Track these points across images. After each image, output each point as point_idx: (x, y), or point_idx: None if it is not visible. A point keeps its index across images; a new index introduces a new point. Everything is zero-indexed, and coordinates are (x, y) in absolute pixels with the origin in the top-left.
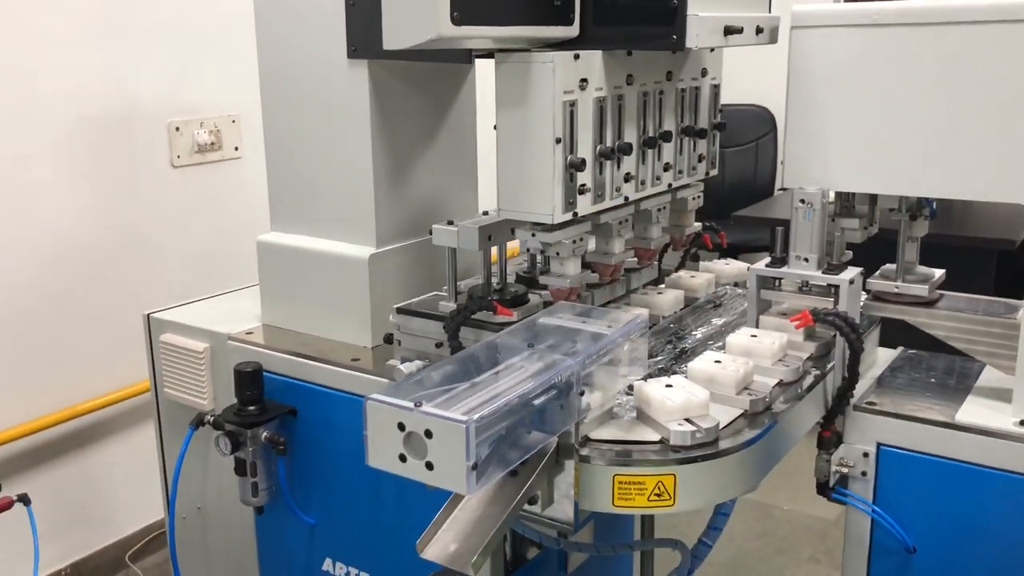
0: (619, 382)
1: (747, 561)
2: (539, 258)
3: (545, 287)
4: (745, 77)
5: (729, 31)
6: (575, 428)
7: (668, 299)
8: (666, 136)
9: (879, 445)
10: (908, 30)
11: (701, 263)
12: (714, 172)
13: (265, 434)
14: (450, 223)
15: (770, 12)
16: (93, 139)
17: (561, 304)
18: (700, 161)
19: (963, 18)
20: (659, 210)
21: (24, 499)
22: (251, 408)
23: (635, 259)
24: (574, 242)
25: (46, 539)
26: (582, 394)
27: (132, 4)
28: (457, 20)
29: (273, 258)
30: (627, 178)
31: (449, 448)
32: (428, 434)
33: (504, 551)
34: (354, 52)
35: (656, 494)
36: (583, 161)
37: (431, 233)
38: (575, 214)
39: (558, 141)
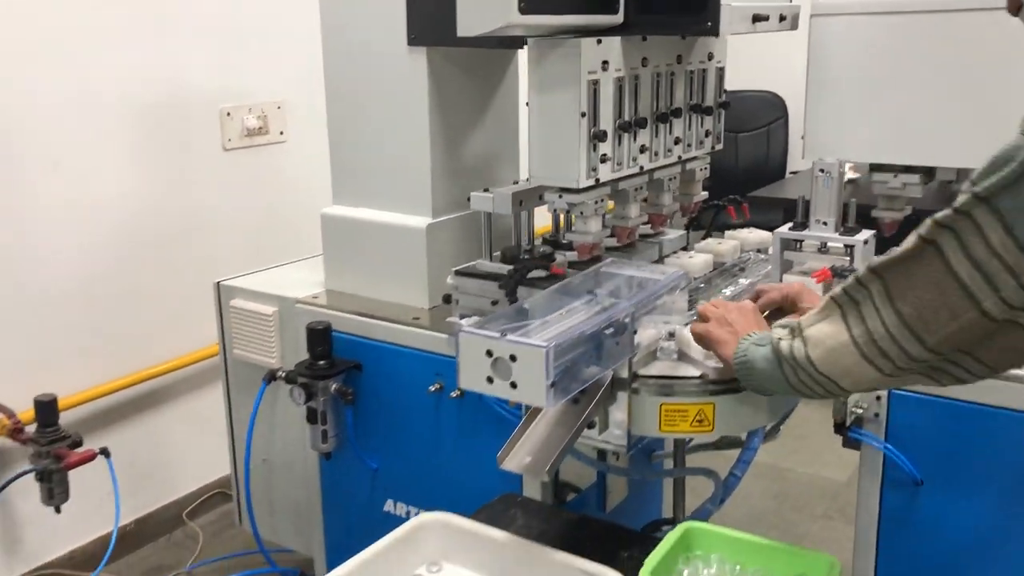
0: (663, 327)
1: (764, 518)
2: (563, 219)
3: (569, 247)
4: (757, 65)
5: (757, 19)
6: (628, 364)
7: (698, 262)
8: (676, 112)
9: (890, 389)
10: (918, 17)
11: (727, 232)
12: (719, 146)
13: (334, 386)
14: (486, 190)
15: (792, 1)
16: (152, 124)
17: (615, 260)
18: (707, 136)
19: (968, 6)
20: (670, 180)
21: (105, 452)
22: (321, 363)
23: (648, 224)
24: (596, 203)
25: (109, 498)
26: (634, 333)
27: None
28: (523, 10)
29: (336, 229)
30: (642, 149)
31: (531, 370)
32: (513, 358)
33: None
34: (414, 40)
35: (698, 420)
36: (605, 133)
37: (469, 200)
38: (597, 180)
39: (583, 115)
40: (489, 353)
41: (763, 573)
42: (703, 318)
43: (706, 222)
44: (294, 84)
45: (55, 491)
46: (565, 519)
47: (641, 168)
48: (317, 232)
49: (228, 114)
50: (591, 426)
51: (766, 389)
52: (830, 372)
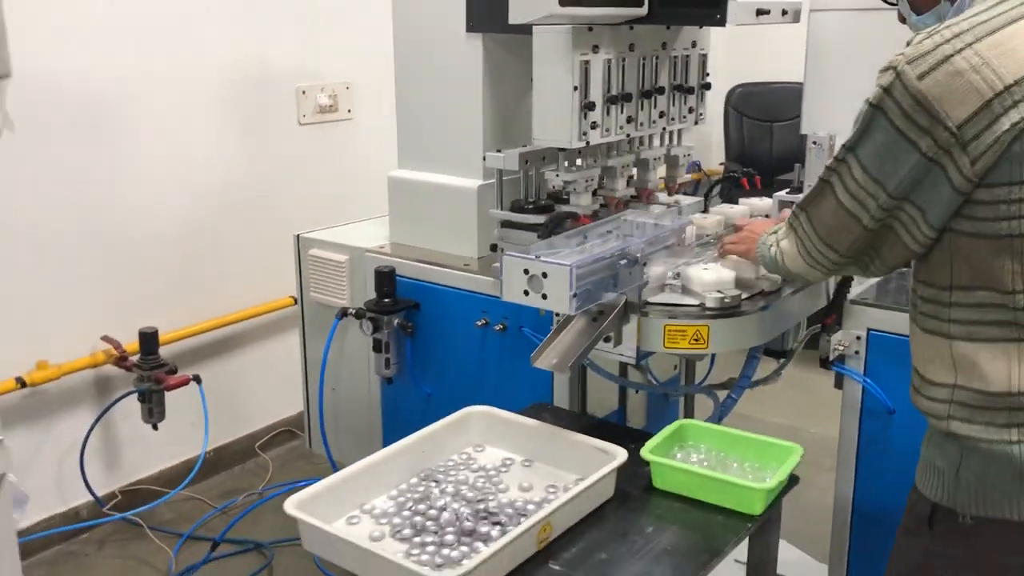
0: (670, 265)
1: None
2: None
3: (567, 201)
4: (789, 58)
5: (760, 12)
6: (639, 291)
7: (711, 221)
8: (660, 90)
9: (868, 330)
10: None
11: (740, 199)
12: (703, 121)
13: (397, 320)
14: (498, 151)
15: None
16: (237, 99)
17: (634, 209)
18: (691, 112)
19: None
20: (656, 159)
21: (197, 379)
22: (386, 300)
23: (636, 198)
24: (587, 181)
25: (194, 428)
26: (645, 265)
27: None
28: (563, 3)
29: (401, 189)
30: (628, 119)
31: (558, 283)
32: (544, 275)
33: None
34: (472, 27)
35: (695, 339)
36: (593, 104)
37: (484, 160)
38: (587, 143)
39: (575, 89)
40: (526, 271)
41: (740, 459)
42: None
43: (724, 191)
44: (361, 68)
45: (154, 410)
46: (586, 421)
47: (628, 136)
48: (378, 197)
49: (303, 92)
50: (607, 340)
51: (767, 267)
52: (796, 272)
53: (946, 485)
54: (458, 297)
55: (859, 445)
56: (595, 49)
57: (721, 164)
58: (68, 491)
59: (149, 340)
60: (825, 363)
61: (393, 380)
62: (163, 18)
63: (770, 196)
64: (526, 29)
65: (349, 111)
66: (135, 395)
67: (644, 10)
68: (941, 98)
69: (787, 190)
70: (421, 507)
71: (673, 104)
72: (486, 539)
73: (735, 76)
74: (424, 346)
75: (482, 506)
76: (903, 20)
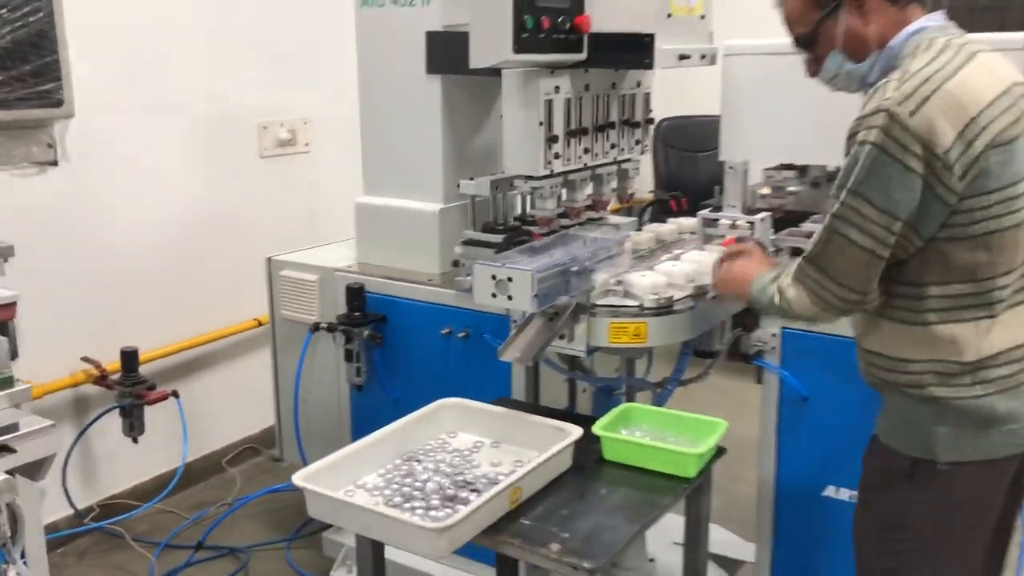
0: (612, 274)
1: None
2: (528, 202)
3: (532, 223)
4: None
5: (682, 57)
6: (587, 294)
7: (645, 237)
8: (612, 124)
9: (782, 328)
10: (797, 57)
11: (669, 219)
12: (647, 150)
13: (367, 332)
14: (471, 179)
15: (712, 44)
16: (204, 133)
17: (580, 227)
18: (637, 143)
19: None
20: (608, 175)
21: (175, 394)
22: (356, 314)
23: (592, 208)
24: (551, 188)
25: (164, 444)
26: (592, 272)
27: (233, 31)
28: (516, 50)
29: (367, 214)
30: (586, 150)
31: (523, 286)
32: (510, 279)
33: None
34: (431, 69)
35: (635, 334)
36: (556, 137)
37: (458, 187)
38: (552, 171)
39: (540, 124)
40: (493, 277)
41: (675, 434)
42: (734, 266)
43: (655, 213)
44: (317, 104)
45: (135, 424)
46: (543, 410)
47: (585, 164)
48: (336, 223)
49: (264, 127)
50: (561, 337)
51: (765, 311)
52: (809, 316)
53: (926, 440)
54: (423, 309)
55: (778, 429)
56: (557, 89)
57: (651, 192)
58: (47, 505)
59: (130, 358)
60: (746, 358)
61: (363, 388)
62: (138, 60)
63: (694, 216)
64: (481, 71)
65: (307, 144)
66: (114, 412)
67: (584, 56)
68: (929, 131)
69: (709, 208)
70: (407, 480)
71: (623, 136)
72: (466, 503)
73: (662, 111)
74: (392, 355)
75: (460, 478)
76: (813, 71)
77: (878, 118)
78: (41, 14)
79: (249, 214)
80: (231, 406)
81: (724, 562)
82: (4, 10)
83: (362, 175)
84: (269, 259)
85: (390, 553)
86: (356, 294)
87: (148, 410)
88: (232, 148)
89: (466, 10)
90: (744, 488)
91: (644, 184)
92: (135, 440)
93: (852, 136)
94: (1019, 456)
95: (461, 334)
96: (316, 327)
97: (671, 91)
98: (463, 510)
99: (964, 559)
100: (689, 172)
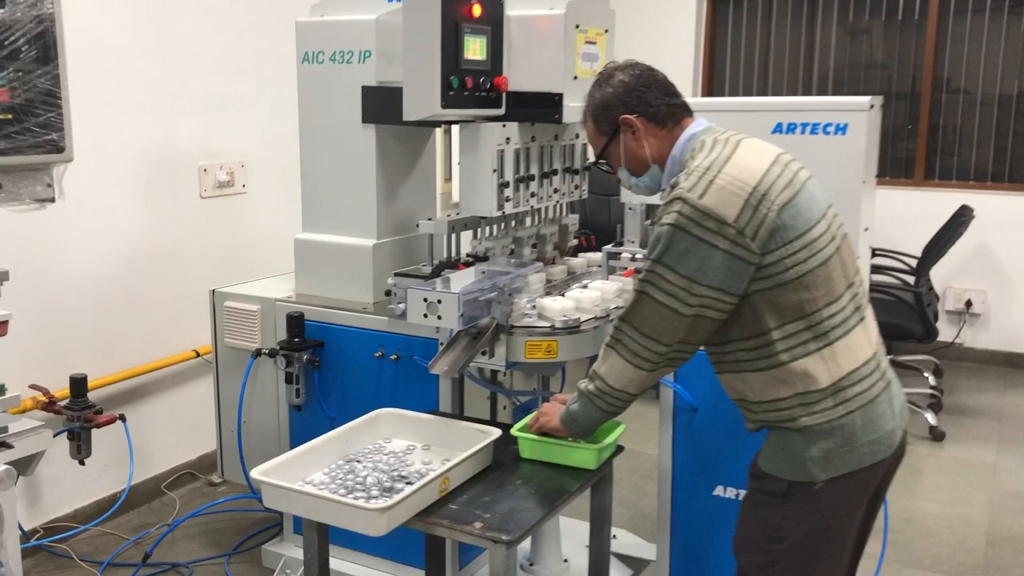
0: (528, 298)
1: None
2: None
3: (483, 259)
4: None
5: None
6: (507, 316)
7: (558, 269)
8: (554, 171)
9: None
10: None
11: (580, 254)
12: (585, 195)
13: (305, 356)
14: (430, 219)
15: None
16: (149, 176)
17: (499, 259)
18: (576, 188)
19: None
20: (551, 234)
21: (123, 418)
22: (296, 340)
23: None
24: (502, 248)
25: (105, 470)
26: (511, 295)
27: (176, 82)
28: (444, 105)
29: (306, 248)
30: (532, 194)
31: (451, 307)
32: (439, 301)
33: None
34: (366, 120)
35: (547, 351)
36: (508, 183)
37: (418, 226)
38: (503, 212)
39: (494, 171)
40: (425, 300)
41: None
42: (540, 418)
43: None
44: (253, 149)
45: (83, 447)
46: (469, 419)
47: (532, 207)
48: (271, 259)
49: (205, 170)
50: (484, 354)
51: (591, 426)
52: (622, 386)
53: (800, 465)
54: (358, 334)
55: (673, 437)
56: (508, 141)
57: None
58: None
59: (79, 385)
60: None
61: (301, 408)
62: (90, 107)
63: (600, 251)
64: (412, 123)
65: (244, 185)
66: (61, 436)
67: (503, 111)
68: (718, 207)
69: (612, 244)
70: (350, 477)
71: (564, 182)
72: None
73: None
74: (329, 377)
75: (396, 473)
76: (615, 181)
77: (675, 204)
78: (49, 68)
79: (190, 250)
80: (169, 433)
81: (631, 561)
82: (20, 73)
83: (301, 213)
84: (213, 291)
85: (333, 564)
86: (296, 321)
87: (92, 436)
88: (175, 189)
89: (398, 68)
90: (650, 501)
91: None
92: (82, 462)
93: (657, 220)
94: (881, 464)
95: (393, 356)
96: (258, 352)
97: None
98: (400, 494)
99: (833, 562)
100: (603, 215)
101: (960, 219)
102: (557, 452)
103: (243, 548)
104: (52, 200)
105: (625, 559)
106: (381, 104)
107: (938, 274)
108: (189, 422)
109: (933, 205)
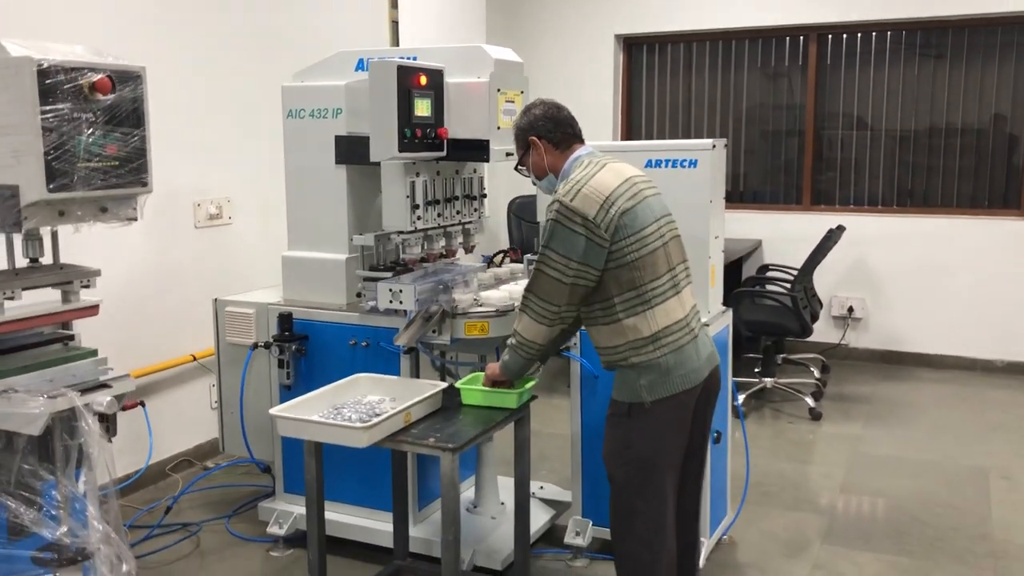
0: (469, 292)
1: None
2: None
3: (404, 265)
4: None
5: (508, 154)
6: (452, 304)
7: (487, 275)
8: (456, 198)
9: (581, 331)
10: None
11: (507, 263)
12: (484, 216)
13: (294, 346)
14: (360, 234)
15: None
16: (152, 209)
17: (442, 261)
18: (475, 211)
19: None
20: (455, 236)
21: (142, 404)
22: (286, 334)
23: (445, 256)
24: (416, 241)
25: (119, 454)
26: (452, 289)
27: (174, 130)
28: (400, 150)
29: (292, 262)
30: (439, 215)
31: (409, 295)
32: (400, 291)
33: None
34: (339, 161)
35: (481, 328)
36: (418, 205)
37: (352, 240)
38: (416, 228)
39: (407, 196)
40: (391, 290)
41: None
42: (487, 372)
43: (498, 260)
44: (237, 187)
45: (110, 427)
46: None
47: (439, 224)
48: (253, 277)
49: (198, 205)
50: (435, 332)
51: (519, 371)
52: (531, 337)
53: (635, 391)
54: (335, 328)
55: (581, 399)
56: (418, 175)
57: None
58: None
59: None
60: (559, 353)
61: (291, 388)
62: None
63: (522, 262)
64: (375, 163)
65: (230, 217)
66: None
67: (444, 153)
68: (582, 208)
69: (530, 254)
70: (338, 417)
71: (464, 206)
72: None
73: (513, 192)
74: (312, 362)
75: (372, 411)
76: (532, 181)
77: (554, 204)
78: (139, 131)
79: (187, 271)
80: (170, 426)
81: (555, 504)
82: (120, 131)
83: (287, 234)
84: (216, 299)
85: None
86: (286, 320)
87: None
88: (174, 220)
89: (364, 122)
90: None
91: (502, 244)
92: (110, 440)
93: (546, 216)
94: (692, 391)
95: (364, 344)
96: (256, 346)
97: (519, 178)
98: (376, 419)
99: (667, 466)
100: (533, 236)
101: (831, 237)
102: (488, 397)
103: (241, 511)
104: (135, 219)
105: (550, 503)
106: (350, 149)
107: (824, 284)
108: (187, 416)
109: (819, 226)
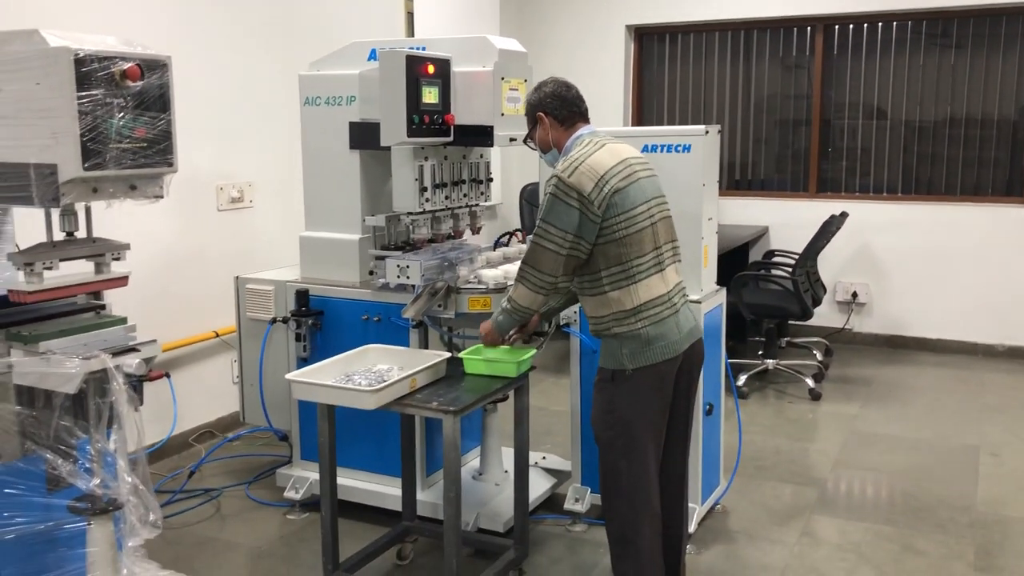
0: (471, 269)
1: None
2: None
3: (413, 244)
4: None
5: (511, 139)
6: (455, 279)
7: (496, 253)
8: (463, 182)
9: (579, 308)
10: None
11: (515, 244)
12: (490, 199)
13: (310, 321)
14: (372, 215)
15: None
16: (178, 193)
17: (451, 242)
18: (482, 195)
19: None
20: (463, 216)
21: (167, 375)
22: (303, 309)
23: (452, 237)
24: (425, 222)
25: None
26: (457, 266)
27: (198, 117)
28: (409, 135)
29: (309, 242)
30: (446, 197)
31: (415, 271)
32: (408, 266)
33: None
34: (353, 146)
35: (483, 304)
36: (426, 187)
37: (364, 221)
38: (424, 209)
39: (416, 179)
40: (398, 266)
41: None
42: (482, 328)
43: (504, 240)
44: (258, 171)
45: (138, 393)
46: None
47: (446, 206)
48: (272, 257)
49: (221, 188)
50: (440, 306)
51: (508, 328)
52: (526, 304)
53: (618, 359)
54: (349, 304)
55: (580, 372)
56: (426, 159)
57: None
58: None
59: None
60: (559, 329)
61: (307, 360)
62: None
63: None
64: (385, 148)
65: (251, 201)
66: None
67: (451, 138)
68: (578, 184)
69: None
70: (349, 383)
71: (472, 189)
72: None
73: (524, 179)
74: (327, 335)
75: (380, 378)
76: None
77: (553, 179)
78: (166, 115)
79: (210, 252)
80: (193, 398)
81: (556, 473)
82: (148, 115)
83: (304, 216)
84: (237, 277)
85: (342, 480)
86: (303, 296)
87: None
88: (197, 203)
89: (376, 109)
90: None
91: (513, 226)
92: (136, 409)
93: (545, 191)
94: (673, 361)
95: (375, 319)
96: (274, 320)
97: (530, 166)
98: (384, 383)
99: (650, 430)
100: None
101: (832, 223)
102: (490, 366)
103: (260, 478)
104: (161, 197)
105: (552, 472)
106: (363, 135)
107: (829, 270)
108: (210, 390)
109: (824, 213)
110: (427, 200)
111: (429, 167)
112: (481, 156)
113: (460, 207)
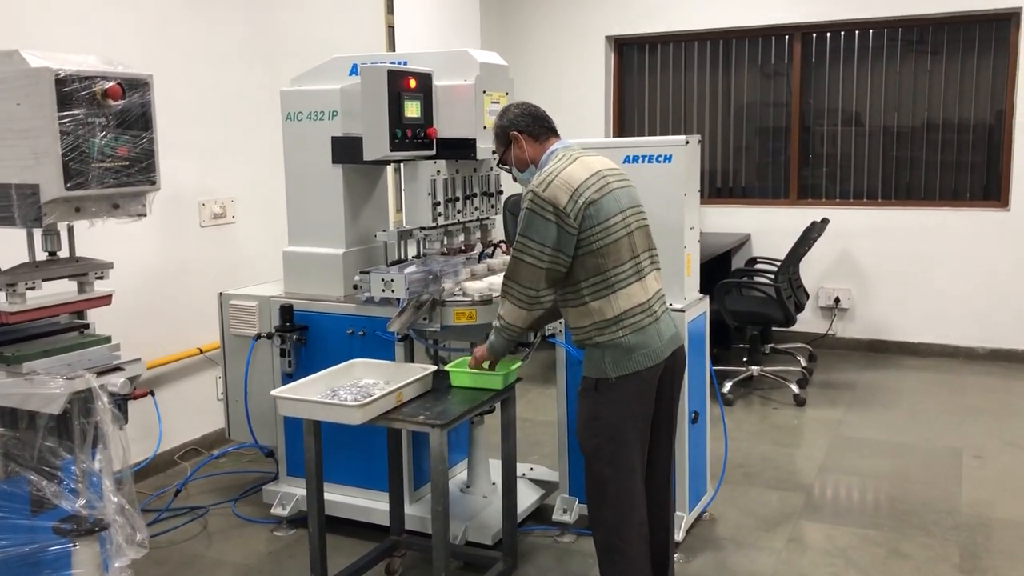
0: (456, 281)
1: (538, 439)
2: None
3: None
4: None
5: (494, 152)
6: (440, 292)
7: (481, 266)
8: (474, 195)
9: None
10: None
11: (499, 255)
12: (498, 213)
13: (295, 336)
14: (384, 231)
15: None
16: (159, 209)
17: (436, 256)
18: (492, 207)
19: None
20: (473, 230)
21: (152, 393)
22: (287, 324)
23: (464, 251)
24: (436, 236)
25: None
26: (441, 279)
27: (180, 133)
28: (391, 149)
29: (292, 257)
30: (458, 211)
31: (400, 284)
32: (392, 280)
33: None
34: (335, 161)
35: (469, 316)
36: (439, 202)
37: (376, 236)
38: (437, 224)
39: (429, 194)
40: (383, 279)
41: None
42: (475, 353)
43: (491, 251)
44: (241, 185)
45: (122, 413)
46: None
47: (458, 220)
48: (254, 272)
49: (203, 204)
50: (425, 319)
51: (503, 350)
52: (513, 320)
53: (601, 368)
54: (333, 318)
55: (567, 381)
56: (439, 173)
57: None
58: None
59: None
60: (544, 339)
61: (292, 375)
62: None
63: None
64: (369, 161)
65: (233, 216)
66: None
67: (434, 152)
68: (553, 198)
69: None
70: (335, 397)
71: (482, 203)
72: None
73: (509, 189)
74: (312, 351)
75: (366, 393)
76: (513, 176)
77: (529, 194)
78: (148, 134)
79: (192, 268)
80: (177, 416)
81: (544, 484)
82: (130, 133)
83: (287, 231)
84: (221, 293)
85: (329, 496)
86: (287, 311)
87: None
88: (180, 219)
89: (358, 123)
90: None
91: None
92: (121, 428)
93: (523, 206)
94: (655, 368)
95: (360, 333)
96: (259, 336)
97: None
98: (370, 398)
99: (634, 437)
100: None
101: (813, 229)
102: (475, 379)
103: (247, 495)
104: (144, 215)
105: (539, 483)
106: (346, 149)
107: (811, 276)
108: (194, 407)
109: (805, 220)
110: (440, 215)
111: (442, 181)
112: (491, 168)
113: (471, 220)
